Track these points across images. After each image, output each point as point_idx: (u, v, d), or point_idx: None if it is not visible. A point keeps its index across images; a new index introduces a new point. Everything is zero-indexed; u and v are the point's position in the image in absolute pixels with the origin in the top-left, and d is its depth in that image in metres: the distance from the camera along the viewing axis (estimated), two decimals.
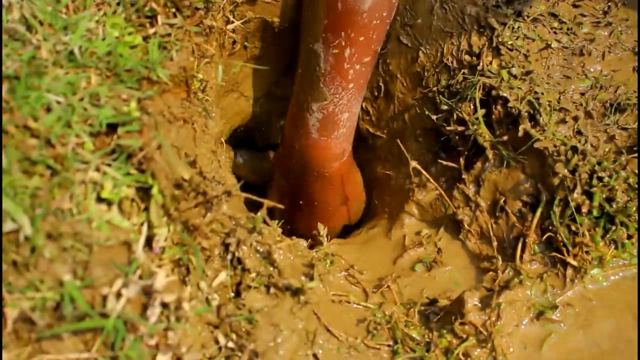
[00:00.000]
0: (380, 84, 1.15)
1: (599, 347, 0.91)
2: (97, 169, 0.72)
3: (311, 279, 0.85)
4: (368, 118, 1.19)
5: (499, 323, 0.90)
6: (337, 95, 1.00)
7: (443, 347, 0.89)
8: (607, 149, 0.98)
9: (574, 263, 0.95)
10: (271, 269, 0.83)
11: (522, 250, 0.98)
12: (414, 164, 1.04)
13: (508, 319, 0.91)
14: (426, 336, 0.91)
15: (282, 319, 0.81)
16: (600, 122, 0.99)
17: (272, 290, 0.82)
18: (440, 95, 1.06)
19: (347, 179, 1.11)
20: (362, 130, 1.18)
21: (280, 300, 0.82)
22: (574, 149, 0.95)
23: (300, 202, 1.13)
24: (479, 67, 1.02)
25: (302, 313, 0.83)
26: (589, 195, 0.94)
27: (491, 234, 1.02)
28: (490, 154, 1.01)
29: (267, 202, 0.81)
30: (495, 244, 1.01)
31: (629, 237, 0.96)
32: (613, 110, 1.00)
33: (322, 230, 1.00)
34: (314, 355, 0.84)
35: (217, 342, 0.78)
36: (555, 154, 0.96)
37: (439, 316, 0.93)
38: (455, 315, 0.91)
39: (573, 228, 0.95)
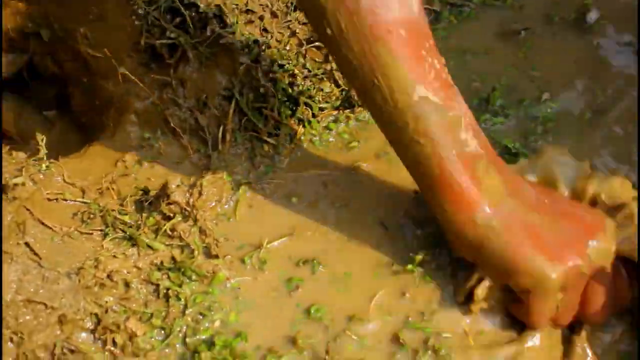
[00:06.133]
0: (93, 7, 1.22)
1: (298, 212, 1.05)
2: None
3: None
4: (87, 42, 1.26)
5: (201, 199, 1.01)
6: None
7: (151, 225, 1.00)
8: (291, 42, 1.11)
9: (271, 141, 1.09)
10: None
11: (223, 138, 1.10)
12: (122, 69, 1.13)
13: (210, 196, 1.03)
14: (138, 220, 1.01)
15: None
16: (284, 20, 1.13)
17: None
18: (145, 9, 1.15)
19: None
20: (83, 54, 1.26)
21: None
22: (256, 42, 1.08)
23: None
24: None
25: (11, 207, 0.91)
26: (274, 82, 1.08)
27: (199, 128, 1.13)
28: (190, 55, 1.12)
29: None
30: (203, 137, 1.12)
31: (314, 115, 1.10)
32: (294, 9, 1.13)
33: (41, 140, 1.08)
34: (26, 244, 0.93)
35: None
36: (240, 48, 1.08)
37: (149, 202, 1.03)
38: (162, 198, 1.02)
39: (265, 112, 1.09)
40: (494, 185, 0.87)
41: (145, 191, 1.06)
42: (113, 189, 1.08)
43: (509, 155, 1.06)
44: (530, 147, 1.08)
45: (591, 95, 1.15)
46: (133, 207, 1.04)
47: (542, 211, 0.89)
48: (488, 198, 0.86)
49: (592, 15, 1.20)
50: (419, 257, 0.95)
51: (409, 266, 0.94)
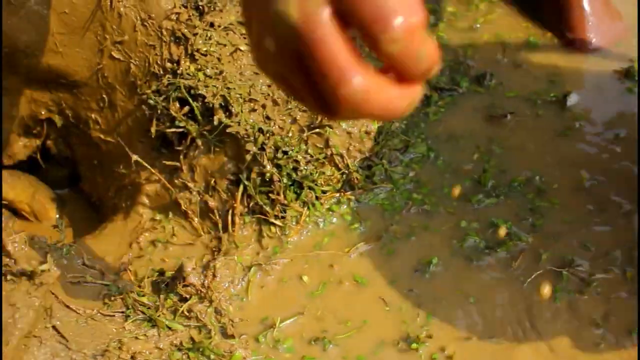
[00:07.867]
0: (104, 95, 1.29)
1: (307, 291, 1.11)
2: None
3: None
4: (98, 127, 1.33)
5: (215, 280, 1.08)
6: None
7: (169, 306, 1.06)
8: (292, 129, 1.19)
9: (278, 223, 1.16)
10: (7, 259, 0.96)
11: (233, 220, 1.17)
12: (135, 157, 1.20)
13: (223, 277, 1.10)
14: (156, 301, 1.07)
15: (19, 299, 0.94)
16: (285, 108, 1.20)
17: (9, 277, 0.96)
18: (154, 98, 1.22)
19: None
20: (95, 138, 1.33)
21: (17, 284, 0.96)
22: (260, 130, 1.16)
23: None
24: (179, 72, 1.20)
25: (38, 292, 0.97)
26: (279, 167, 1.15)
27: (209, 211, 1.20)
28: (199, 142, 1.19)
29: None
30: (213, 219, 1.19)
31: (317, 198, 1.18)
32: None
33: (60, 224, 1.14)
34: (54, 327, 0.99)
35: None
36: (246, 136, 1.15)
37: (166, 284, 1.10)
38: (178, 280, 1.08)
39: (272, 196, 1.16)
40: None
41: (161, 273, 1.12)
42: (130, 270, 1.15)
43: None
44: (522, 226, 1.15)
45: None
46: (150, 288, 1.10)
47: None
48: None
49: (572, 99, 1.30)
50: (422, 336, 1.01)
51: (413, 345, 1.01)
